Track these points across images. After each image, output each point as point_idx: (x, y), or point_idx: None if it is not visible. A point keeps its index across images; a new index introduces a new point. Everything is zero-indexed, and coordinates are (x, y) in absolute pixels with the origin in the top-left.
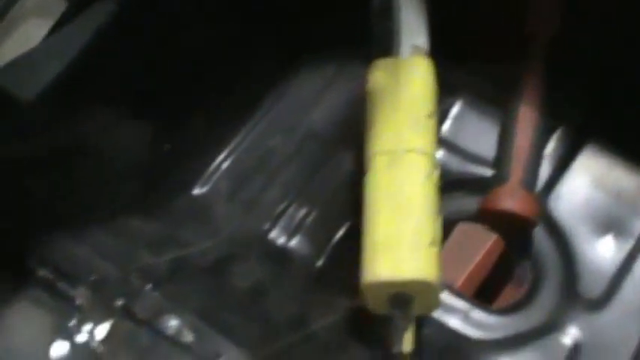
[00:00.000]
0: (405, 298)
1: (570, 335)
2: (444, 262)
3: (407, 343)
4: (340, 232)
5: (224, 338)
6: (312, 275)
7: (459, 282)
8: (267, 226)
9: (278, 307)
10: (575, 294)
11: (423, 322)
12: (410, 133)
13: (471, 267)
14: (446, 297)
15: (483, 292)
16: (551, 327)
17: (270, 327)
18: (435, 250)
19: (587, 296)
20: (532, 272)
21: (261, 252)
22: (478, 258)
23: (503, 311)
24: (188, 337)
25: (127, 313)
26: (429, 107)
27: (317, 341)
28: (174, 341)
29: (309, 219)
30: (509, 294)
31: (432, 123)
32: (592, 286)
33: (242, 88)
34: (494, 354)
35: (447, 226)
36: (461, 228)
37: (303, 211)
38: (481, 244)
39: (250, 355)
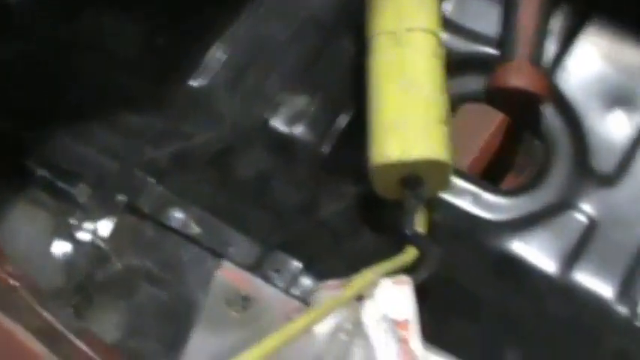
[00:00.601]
0: (416, 179)
1: (584, 213)
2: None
3: (420, 224)
4: (344, 118)
5: (232, 228)
6: (318, 162)
7: (467, 162)
8: (268, 114)
9: (285, 196)
10: (588, 170)
11: (433, 205)
12: (412, 11)
13: (478, 147)
14: (455, 179)
15: (489, 175)
16: (564, 205)
17: (278, 215)
18: (444, 128)
19: (599, 172)
20: (543, 150)
21: (265, 141)
22: (485, 138)
23: (515, 192)
24: (195, 229)
25: (130, 208)
26: None
27: (327, 228)
28: (180, 234)
29: (312, 106)
30: (510, 183)
31: (434, 1)
32: (604, 161)
33: None
34: (507, 235)
35: (455, 107)
36: (467, 108)
37: (304, 98)
38: (488, 124)
39: (260, 244)
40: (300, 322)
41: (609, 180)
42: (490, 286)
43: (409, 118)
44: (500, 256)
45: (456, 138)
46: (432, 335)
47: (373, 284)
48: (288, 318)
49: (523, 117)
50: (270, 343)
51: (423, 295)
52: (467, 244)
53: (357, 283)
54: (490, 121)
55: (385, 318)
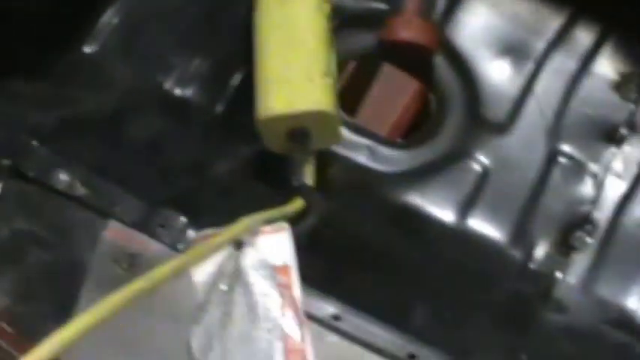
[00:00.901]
0: (303, 132)
1: (478, 161)
2: (370, 108)
3: (308, 176)
4: (237, 79)
5: (119, 188)
6: (212, 123)
7: (387, 127)
8: (162, 77)
9: (178, 155)
10: (480, 119)
11: (329, 160)
12: None
13: (397, 114)
14: (351, 135)
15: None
16: (458, 155)
17: (169, 174)
18: (329, 81)
19: (491, 120)
20: (435, 102)
21: (158, 103)
22: (403, 106)
23: (410, 144)
24: (80, 190)
25: (15, 172)
26: None
27: (219, 184)
28: (66, 196)
29: (204, 67)
30: None
31: None
32: (496, 109)
33: None
34: (403, 186)
35: (344, 63)
36: (386, 72)
37: (197, 60)
38: (405, 92)
39: (147, 202)
40: (169, 266)
41: (501, 128)
42: (388, 237)
43: (293, 71)
44: (397, 207)
45: (376, 103)
46: (327, 284)
47: (254, 232)
48: None
49: (416, 70)
50: (137, 285)
51: (319, 245)
52: (364, 196)
53: (232, 228)
54: (409, 86)
55: (264, 264)
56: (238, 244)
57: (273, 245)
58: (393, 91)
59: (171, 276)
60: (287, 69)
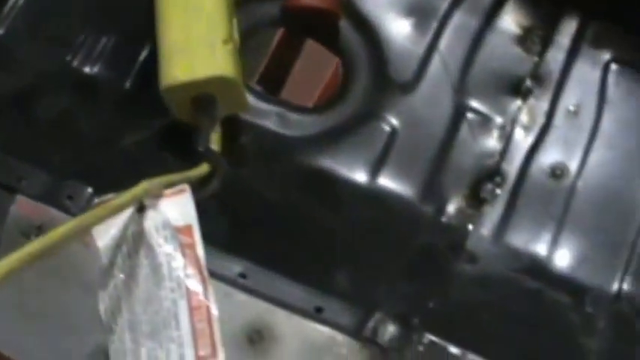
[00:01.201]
0: (208, 98)
1: (387, 121)
2: (294, 84)
3: (214, 142)
4: (144, 53)
5: (26, 163)
6: (122, 98)
7: (314, 99)
8: (69, 56)
9: (87, 131)
10: (387, 80)
11: (239, 129)
12: None
13: (320, 89)
14: (260, 102)
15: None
16: (367, 116)
17: (78, 149)
18: (229, 47)
19: (398, 80)
20: (343, 66)
21: (67, 82)
22: (325, 81)
23: (320, 108)
24: None
25: None
26: None
27: (129, 157)
28: None
29: (111, 43)
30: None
31: None
32: (402, 69)
33: None
34: (314, 150)
35: (254, 32)
36: (310, 47)
37: (104, 37)
38: (327, 67)
39: (55, 175)
40: (64, 227)
41: (407, 87)
42: (298, 200)
43: (192, 39)
44: (308, 172)
45: (299, 77)
46: (234, 246)
47: (156, 196)
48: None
49: (322, 35)
50: (30, 248)
51: (225, 209)
52: (274, 162)
53: (132, 191)
54: (331, 61)
55: (167, 225)
56: (141, 208)
57: (175, 207)
58: (316, 66)
59: (69, 238)
60: (185, 37)
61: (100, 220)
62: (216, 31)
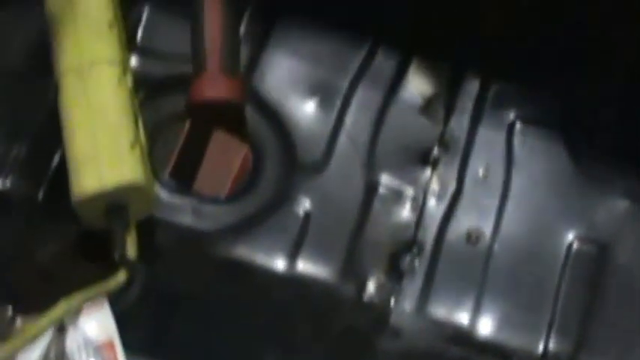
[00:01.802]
0: (120, 205)
1: (300, 204)
2: (205, 175)
3: (130, 247)
4: (55, 161)
5: None
6: (35, 209)
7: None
8: None
9: (2, 247)
10: (297, 162)
11: (154, 228)
12: (92, 44)
13: (231, 179)
14: (175, 198)
15: None
16: (279, 201)
17: None
18: (137, 151)
19: (308, 161)
20: (252, 152)
21: None
22: (236, 169)
23: (233, 198)
24: None
25: None
26: (108, 16)
27: (44, 269)
28: None
29: (21, 155)
30: None
31: (114, 31)
32: (311, 150)
33: None
34: (230, 240)
35: (162, 128)
36: (218, 138)
37: (14, 149)
38: (235, 156)
39: None
40: None
41: (317, 168)
42: (218, 291)
43: (99, 146)
44: (225, 262)
45: (210, 167)
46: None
47: (75, 312)
48: None
49: (229, 125)
50: None
51: (146, 311)
52: (191, 256)
53: (51, 313)
54: (240, 149)
55: (88, 343)
56: (61, 328)
57: (95, 322)
58: (226, 156)
59: None
60: (92, 147)
61: (22, 347)
62: (122, 136)
